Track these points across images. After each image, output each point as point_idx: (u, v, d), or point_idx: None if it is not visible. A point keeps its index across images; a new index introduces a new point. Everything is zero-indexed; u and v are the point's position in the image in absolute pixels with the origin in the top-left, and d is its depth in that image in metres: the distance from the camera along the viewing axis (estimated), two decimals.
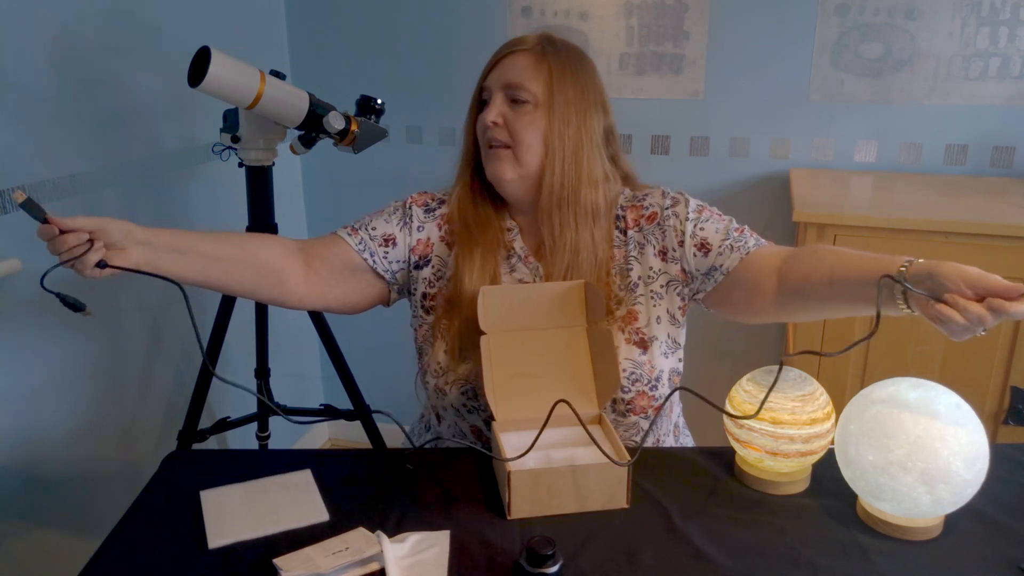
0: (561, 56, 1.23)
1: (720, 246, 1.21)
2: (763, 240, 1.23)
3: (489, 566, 0.93)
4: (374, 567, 0.91)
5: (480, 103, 1.28)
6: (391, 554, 0.91)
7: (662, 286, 1.25)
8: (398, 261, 1.31)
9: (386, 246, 1.30)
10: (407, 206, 1.33)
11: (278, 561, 0.91)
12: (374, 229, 1.30)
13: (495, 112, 1.22)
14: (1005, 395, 1.72)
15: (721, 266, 1.21)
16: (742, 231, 1.22)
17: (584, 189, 1.22)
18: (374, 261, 1.29)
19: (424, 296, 1.30)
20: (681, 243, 1.24)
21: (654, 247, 1.26)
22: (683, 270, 1.25)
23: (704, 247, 1.22)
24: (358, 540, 0.95)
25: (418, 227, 1.31)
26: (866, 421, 0.98)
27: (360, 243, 1.28)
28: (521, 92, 1.21)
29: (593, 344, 1.18)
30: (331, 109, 1.64)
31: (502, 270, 1.28)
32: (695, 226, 1.23)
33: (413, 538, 0.96)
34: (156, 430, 2.05)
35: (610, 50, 2.23)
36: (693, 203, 1.26)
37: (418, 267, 1.31)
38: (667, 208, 1.26)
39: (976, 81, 2.00)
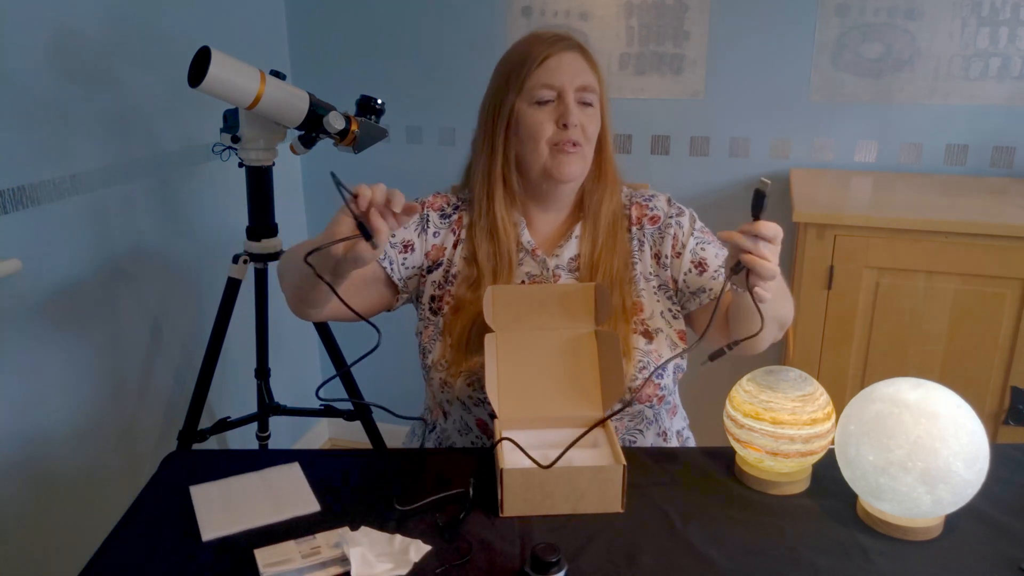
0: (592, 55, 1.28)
1: (716, 271, 1.25)
2: None
3: (488, 566, 0.93)
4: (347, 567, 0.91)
5: (537, 101, 1.24)
6: (356, 553, 0.92)
7: (656, 287, 1.29)
8: (414, 267, 1.31)
9: (405, 252, 1.30)
10: (424, 210, 1.33)
11: (259, 552, 0.93)
12: (393, 236, 1.30)
13: (577, 114, 1.23)
14: (1005, 395, 1.72)
15: (711, 289, 1.25)
16: None
17: (612, 171, 1.31)
18: (392, 270, 1.29)
19: (432, 299, 1.30)
20: (678, 254, 1.28)
21: (651, 248, 1.30)
22: (672, 279, 1.29)
23: (700, 266, 1.26)
24: (337, 538, 0.95)
25: (434, 233, 1.32)
26: (866, 421, 0.97)
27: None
28: (589, 94, 1.24)
29: (601, 346, 1.18)
30: (331, 109, 1.64)
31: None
32: (697, 243, 1.28)
33: (395, 539, 0.96)
34: (156, 430, 2.05)
35: (610, 50, 2.23)
36: (699, 222, 1.31)
37: (429, 271, 1.32)
38: (672, 216, 1.30)
39: (976, 81, 2.00)
